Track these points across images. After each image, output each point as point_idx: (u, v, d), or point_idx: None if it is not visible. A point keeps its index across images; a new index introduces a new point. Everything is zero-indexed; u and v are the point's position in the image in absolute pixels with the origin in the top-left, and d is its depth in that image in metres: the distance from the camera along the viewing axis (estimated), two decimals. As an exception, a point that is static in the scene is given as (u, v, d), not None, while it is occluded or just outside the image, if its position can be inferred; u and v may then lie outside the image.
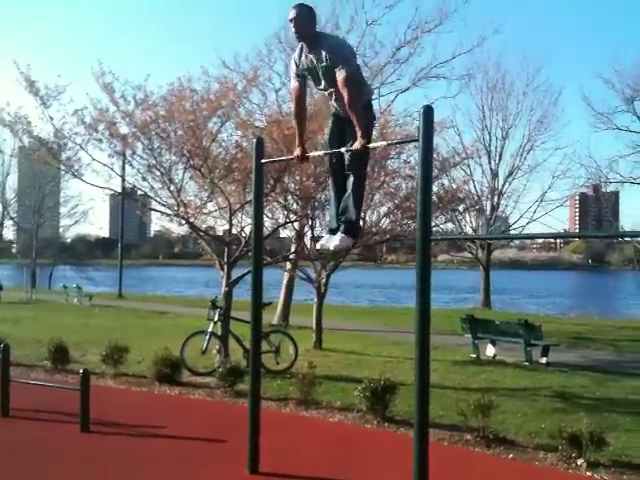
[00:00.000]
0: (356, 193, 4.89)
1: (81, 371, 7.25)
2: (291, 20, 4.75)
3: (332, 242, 4.95)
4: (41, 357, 11.24)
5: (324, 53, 4.66)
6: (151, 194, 12.27)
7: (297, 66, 4.93)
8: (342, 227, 4.92)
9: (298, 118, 5.17)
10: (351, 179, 4.91)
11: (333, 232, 5.05)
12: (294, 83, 5.05)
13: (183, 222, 11.99)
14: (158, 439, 6.87)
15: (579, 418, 6.73)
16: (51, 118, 11.21)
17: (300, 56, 4.90)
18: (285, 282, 20.46)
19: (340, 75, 4.56)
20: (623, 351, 15.32)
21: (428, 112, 4.33)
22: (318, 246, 5.18)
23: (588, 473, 5.90)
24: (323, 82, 4.80)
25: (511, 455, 6.46)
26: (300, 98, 5.11)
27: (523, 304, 36.28)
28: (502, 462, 6.29)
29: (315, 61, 4.76)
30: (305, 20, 4.73)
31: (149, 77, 11.47)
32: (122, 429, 7.19)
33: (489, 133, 33.53)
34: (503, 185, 33.36)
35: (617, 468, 6.03)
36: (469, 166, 30.86)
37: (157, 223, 18.56)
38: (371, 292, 49.71)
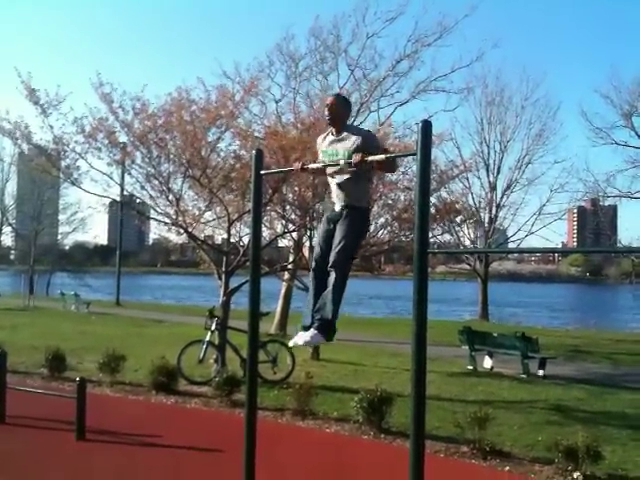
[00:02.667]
0: (337, 291, 4.71)
1: (77, 379, 7.26)
2: (328, 105, 4.85)
3: (302, 337, 4.68)
4: (38, 364, 11.22)
5: (354, 138, 4.67)
6: (150, 203, 12.31)
7: (322, 142, 4.96)
8: (316, 324, 4.70)
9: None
10: (333, 276, 4.75)
11: (306, 329, 4.79)
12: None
13: (182, 231, 12.02)
14: (154, 448, 6.86)
15: (575, 431, 6.74)
16: (51, 127, 11.26)
17: (325, 138, 4.94)
18: (283, 292, 20.47)
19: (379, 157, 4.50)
20: (620, 364, 15.31)
21: (426, 127, 4.34)
22: (290, 344, 4.86)
23: (584, 486, 5.90)
24: (343, 162, 4.64)
25: (507, 467, 6.46)
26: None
27: (521, 316, 36.23)
28: (498, 474, 6.29)
29: (339, 142, 4.78)
30: (341, 109, 4.84)
31: (146, 87, 11.52)
32: (118, 438, 7.18)
33: (487, 146, 33.69)
34: (501, 198, 33.49)
35: (613, 482, 6.04)
36: (467, 179, 31.01)
37: (155, 232, 18.60)
38: (369, 302, 49.67)
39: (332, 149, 4.81)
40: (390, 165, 4.75)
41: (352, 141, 4.67)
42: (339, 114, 4.81)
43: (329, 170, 4.84)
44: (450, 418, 7.89)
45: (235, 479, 5.57)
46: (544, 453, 6.71)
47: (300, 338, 4.68)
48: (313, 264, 4.94)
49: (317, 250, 4.93)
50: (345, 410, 8.35)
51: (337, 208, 4.83)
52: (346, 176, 4.73)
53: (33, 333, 17.65)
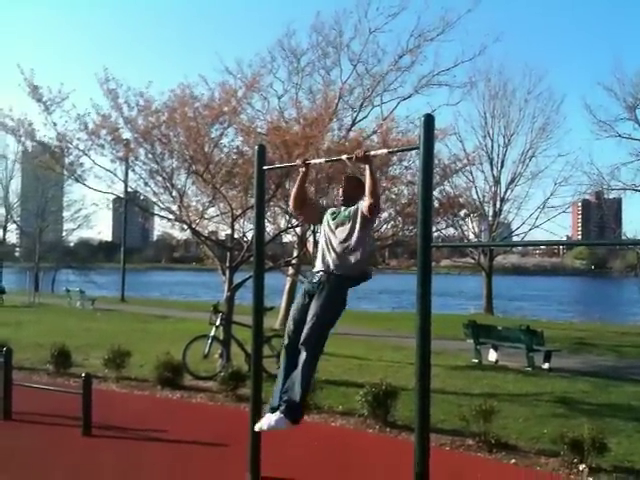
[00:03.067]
0: (305, 372, 4.61)
1: (83, 375, 7.28)
2: (342, 186, 5.02)
3: (267, 422, 4.61)
4: (43, 361, 11.26)
5: (359, 205, 4.74)
6: (153, 199, 12.32)
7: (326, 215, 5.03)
8: (282, 406, 4.60)
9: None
10: (303, 355, 4.64)
11: (273, 410, 4.70)
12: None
13: (185, 227, 12.03)
14: (160, 443, 6.89)
15: (581, 423, 6.75)
16: (54, 124, 11.27)
17: (328, 212, 5.03)
18: (287, 287, 20.49)
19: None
20: (625, 357, 15.31)
21: (429, 121, 4.36)
22: (256, 428, 4.78)
23: (590, 478, 5.90)
24: (341, 219, 4.82)
25: (513, 460, 6.47)
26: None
27: (525, 310, 36.22)
28: (504, 467, 6.30)
29: (343, 209, 4.90)
30: (353, 189, 4.93)
31: (151, 84, 11.49)
32: (124, 433, 7.21)
33: (491, 140, 33.64)
34: (505, 191, 33.42)
35: (619, 473, 6.04)
36: (471, 172, 30.93)
37: (159, 228, 18.67)
38: (373, 297, 49.67)
39: (337, 211, 4.93)
40: (375, 203, 4.64)
41: (352, 208, 4.79)
42: (352, 195, 4.90)
43: (331, 225, 4.86)
44: (455, 411, 7.90)
45: (240, 473, 5.60)
46: (550, 446, 6.71)
47: (265, 422, 4.62)
48: (285, 340, 4.85)
49: (290, 325, 4.85)
50: (350, 404, 8.36)
51: (315, 278, 4.75)
52: (347, 231, 4.73)
53: (38, 330, 17.71)
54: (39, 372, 10.84)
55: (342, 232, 4.73)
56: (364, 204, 4.64)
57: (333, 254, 4.71)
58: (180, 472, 5.87)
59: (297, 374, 4.65)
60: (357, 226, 4.68)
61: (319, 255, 4.85)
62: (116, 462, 6.18)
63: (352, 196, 4.88)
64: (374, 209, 4.64)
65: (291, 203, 5.22)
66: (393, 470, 5.02)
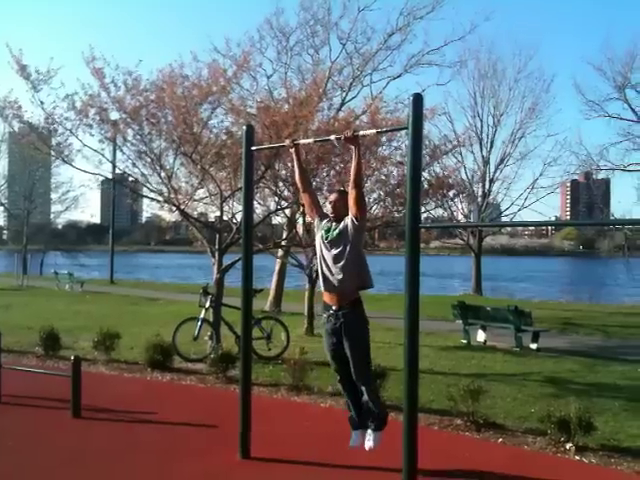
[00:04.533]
0: (373, 398, 5.09)
1: (72, 357, 7.26)
2: (331, 202, 5.15)
3: (367, 443, 5.12)
4: (32, 344, 11.23)
5: (347, 221, 4.96)
6: (142, 180, 12.22)
7: (320, 222, 5.25)
8: (373, 426, 5.10)
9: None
10: (363, 389, 5.08)
11: (358, 428, 5.25)
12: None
13: (174, 209, 11.96)
14: (150, 425, 6.90)
15: (568, 403, 6.80)
16: (41, 102, 11.13)
17: (323, 221, 5.23)
18: (277, 269, 20.49)
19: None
20: (612, 336, 15.45)
21: (417, 100, 4.34)
22: (350, 444, 5.26)
23: (576, 457, 5.97)
24: (333, 237, 5.02)
25: (500, 439, 6.53)
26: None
27: (514, 290, 36.43)
28: (491, 446, 6.36)
29: (335, 224, 5.08)
30: (343, 205, 5.05)
31: (141, 63, 11.37)
32: (114, 415, 7.21)
33: (481, 120, 33.61)
34: (494, 172, 33.45)
35: (605, 452, 6.10)
36: (461, 153, 30.87)
37: (148, 210, 18.53)
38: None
39: (329, 226, 5.11)
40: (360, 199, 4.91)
41: (342, 224, 4.99)
42: (342, 209, 5.04)
43: (326, 244, 5.05)
44: (444, 391, 7.95)
45: (231, 454, 5.62)
46: (537, 425, 6.77)
47: (364, 443, 5.14)
48: (337, 377, 5.29)
49: (332, 364, 5.27)
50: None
51: (332, 318, 5.04)
52: (340, 248, 4.95)
53: (27, 313, 17.65)
54: (28, 355, 10.82)
55: (336, 250, 4.97)
56: (350, 216, 4.91)
57: (334, 275, 4.96)
58: (170, 453, 5.89)
59: (367, 402, 5.10)
60: (349, 244, 4.92)
61: (321, 277, 5.11)
62: (106, 444, 6.18)
63: (343, 212, 5.04)
64: (360, 217, 4.91)
65: (299, 186, 5.55)
66: (382, 449, 5.06)
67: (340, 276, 4.91)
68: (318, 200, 5.65)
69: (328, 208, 5.18)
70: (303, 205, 13.39)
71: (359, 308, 5.06)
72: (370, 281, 5.09)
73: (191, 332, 10.67)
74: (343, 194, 5.17)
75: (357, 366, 4.96)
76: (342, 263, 4.91)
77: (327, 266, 5.01)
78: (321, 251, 5.09)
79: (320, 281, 5.13)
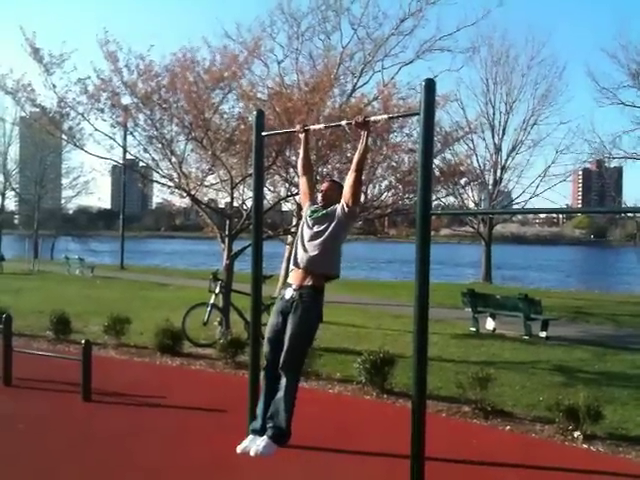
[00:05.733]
0: (288, 397, 4.67)
1: (83, 341, 7.31)
2: (322, 191, 5.06)
3: (254, 447, 4.59)
4: (43, 328, 11.31)
5: (337, 206, 4.87)
6: (152, 166, 12.23)
7: (309, 208, 5.13)
8: (270, 432, 4.64)
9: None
10: (284, 380, 4.70)
11: (256, 433, 4.77)
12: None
13: (184, 194, 11.97)
14: (159, 409, 6.94)
15: (577, 391, 6.80)
16: (54, 86, 11.16)
17: (312, 206, 5.12)
18: (286, 255, 20.48)
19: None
20: (622, 326, 15.40)
21: (430, 85, 4.30)
22: (238, 450, 4.72)
23: (584, 445, 5.97)
24: (318, 216, 4.93)
25: (508, 427, 6.53)
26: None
27: (524, 278, 36.35)
28: (499, 433, 6.36)
29: (322, 209, 4.99)
30: (335, 195, 4.97)
31: (152, 47, 11.33)
32: (123, 399, 7.26)
33: (493, 107, 33.32)
34: (506, 160, 33.20)
35: (613, 441, 6.10)
36: (472, 140, 30.72)
37: (159, 195, 18.52)
38: (372, 265, 49.77)
39: (317, 208, 5.00)
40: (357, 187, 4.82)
41: (330, 209, 4.90)
42: (334, 198, 4.95)
43: (309, 222, 4.93)
44: (452, 379, 7.96)
45: (239, 439, 5.64)
46: (545, 413, 6.77)
47: (252, 448, 4.61)
48: (264, 362, 4.90)
49: (266, 347, 4.89)
50: (348, 371, 8.41)
51: (288, 295, 4.82)
52: (322, 227, 4.82)
53: (38, 297, 17.78)
54: (39, 339, 10.90)
55: (317, 228, 4.85)
56: (342, 201, 4.80)
57: (307, 252, 4.81)
58: (179, 437, 5.93)
59: (280, 400, 4.69)
60: (332, 227, 4.79)
61: (293, 255, 4.96)
62: (116, 427, 6.23)
63: (333, 202, 4.94)
64: (352, 204, 4.79)
65: (299, 170, 5.50)
66: (390, 436, 5.07)
67: (313, 253, 4.75)
68: (314, 188, 5.52)
69: (318, 197, 5.08)
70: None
71: (319, 297, 4.84)
72: (338, 270, 4.91)
73: (201, 317, 10.71)
74: (335, 184, 5.12)
75: (290, 352, 4.66)
76: (318, 241, 4.76)
77: (302, 243, 4.86)
78: (302, 229, 4.95)
79: (292, 259, 4.97)
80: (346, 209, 4.77)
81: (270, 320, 4.98)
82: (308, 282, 4.76)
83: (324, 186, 5.12)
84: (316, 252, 4.75)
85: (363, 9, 21.56)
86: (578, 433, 6.11)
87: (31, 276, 27.82)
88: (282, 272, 20.31)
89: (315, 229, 4.84)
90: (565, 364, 10.05)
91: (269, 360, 4.87)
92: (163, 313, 12.65)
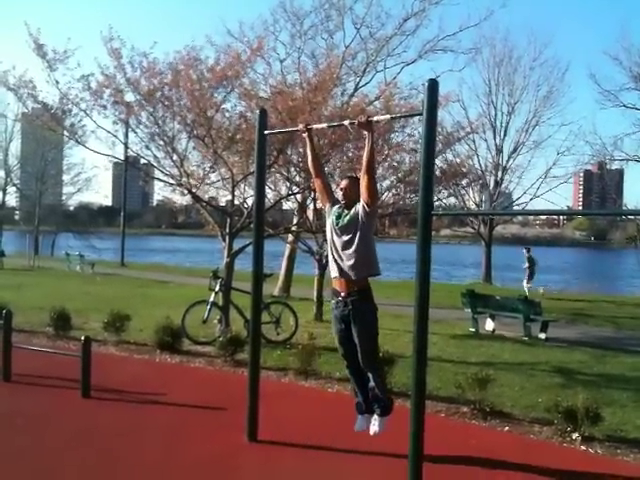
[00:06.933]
0: (380, 385, 5.16)
1: (83, 338, 7.32)
2: (342, 189, 5.14)
3: (372, 427, 5.21)
4: (43, 324, 11.31)
5: (358, 207, 4.96)
6: (154, 163, 12.23)
7: (331, 209, 5.24)
8: (378, 410, 5.19)
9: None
10: (371, 376, 5.15)
11: (364, 412, 5.33)
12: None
13: (186, 192, 11.98)
14: (158, 406, 6.95)
15: (576, 393, 6.79)
16: (57, 82, 11.15)
17: (334, 207, 5.23)
18: (287, 254, 20.51)
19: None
20: (622, 328, 15.39)
21: (433, 86, 4.30)
22: (356, 428, 5.35)
23: (582, 447, 5.97)
24: (344, 224, 5.02)
25: (507, 428, 6.54)
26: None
27: (523, 280, 36.23)
28: (498, 434, 6.37)
29: (346, 211, 5.09)
30: (355, 190, 5.05)
31: (156, 44, 11.32)
32: (123, 396, 7.27)
33: (495, 108, 33.32)
34: (507, 161, 33.21)
35: (612, 443, 6.10)
36: (474, 141, 30.78)
37: (160, 193, 18.48)
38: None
39: (340, 212, 5.11)
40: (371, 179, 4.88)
41: (353, 210, 5.00)
42: (353, 195, 5.05)
43: (337, 230, 5.05)
44: (451, 379, 7.96)
45: (238, 436, 5.66)
46: (544, 414, 6.77)
47: (370, 428, 5.24)
48: (345, 362, 5.31)
49: (340, 350, 5.28)
50: (347, 370, 8.39)
51: (341, 304, 5.06)
52: (350, 235, 4.95)
53: (38, 293, 17.79)
54: (39, 335, 10.91)
55: (347, 236, 4.98)
56: (362, 202, 4.91)
57: (344, 261, 4.98)
58: (178, 434, 5.94)
59: (374, 388, 5.18)
60: (360, 230, 4.92)
61: (331, 263, 5.14)
62: (115, 424, 6.24)
63: (354, 199, 5.05)
64: (371, 203, 4.89)
65: (312, 172, 5.55)
66: (389, 435, 5.08)
67: (350, 262, 4.92)
68: (330, 186, 5.63)
69: (339, 195, 5.18)
70: (314, 190, 13.43)
71: (368, 295, 5.07)
72: (378, 269, 5.10)
73: (200, 315, 10.72)
74: (354, 180, 5.17)
75: (365, 352, 4.98)
76: (352, 249, 4.92)
77: (337, 252, 5.03)
78: (332, 237, 5.09)
79: (330, 267, 5.15)
80: (367, 209, 4.89)
81: (334, 327, 5.26)
82: (354, 288, 4.99)
83: (343, 184, 5.19)
84: (353, 260, 4.93)
85: (366, 9, 21.59)
86: (576, 435, 6.11)
87: (31, 272, 27.82)
88: (282, 271, 20.36)
89: (345, 237, 4.98)
90: (564, 366, 10.05)
91: (348, 360, 5.25)
92: (163, 310, 12.66)
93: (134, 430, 6.10)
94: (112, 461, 5.23)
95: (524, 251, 23.91)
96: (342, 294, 5.01)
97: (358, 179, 5.10)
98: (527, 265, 23.25)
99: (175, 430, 6.09)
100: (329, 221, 5.18)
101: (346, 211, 5.05)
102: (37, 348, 8.84)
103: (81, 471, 5.03)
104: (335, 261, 5.04)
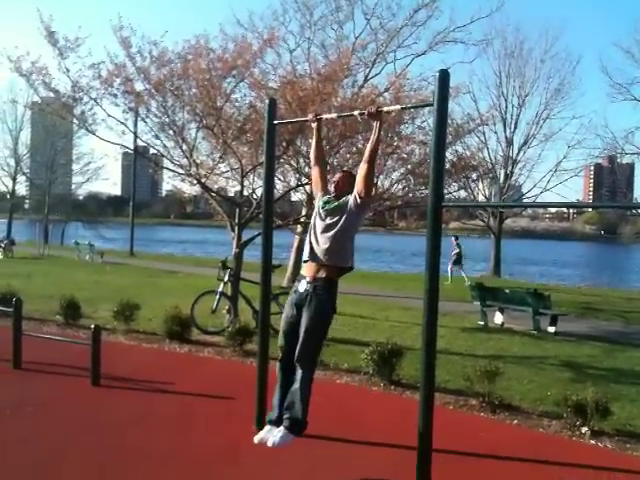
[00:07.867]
0: (304, 389, 4.71)
1: (92, 326, 7.35)
2: (335, 181, 5.05)
3: (271, 438, 4.67)
4: (53, 312, 11.38)
5: (349, 197, 4.88)
6: (164, 153, 12.23)
7: (321, 198, 5.15)
8: (286, 422, 4.71)
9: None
10: (299, 372, 4.75)
11: (273, 423, 4.85)
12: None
13: (195, 182, 11.97)
14: (167, 395, 6.97)
15: (585, 387, 6.76)
16: (67, 70, 11.15)
17: (325, 196, 5.13)
18: (295, 245, 20.51)
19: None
20: (632, 322, 15.31)
21: (444, 77, 4.27)
22: (255, 440, 4.79)
23: (592, 441, 5.95)
24: (330, 208, 4.94)
25: (515, 421, 6.52)
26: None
27: (533, 273, 36.22)
28: (506, 427, 6.36)
29: (334, 199, 5.00)
30: (348, 185, 4.97)
31: (166, 33, 11.31)
32: (132, 384, 7.30)
33: (505, 100, 33.09)
34: (517, 153, 33.01)
35: (621, 437, 6.08)
36: (484, 133, 30.59)
37: (169, 182, 18.47)
38: (380, 257, 49.70)
39: (329, 199, 5.02)
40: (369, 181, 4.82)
41: (342, 200, 4.92)
42: (346, 188, 4.97)
43: (322, 213, 4.94)
44: (460, 372, 7.95)
45: (246, 426, 5.67)
46: (553, 408, 6.76)
47: (269, 438, 4.68)
48: (279, 354, 4.95)
49: (281, 339, 4.96)
50: (356, 362, 8.41)
51: (302, 288, 4.83)
52: (335, 219, 4.82)
53: (48, 282, 17.88)
54: (48, 323, 10.97)
55: (330, 220, 4.85)
56: (355, 192, 4.79)
57: (320, 245, 4.81)
58: (187, 423, 5.96)
59: (296, 391, 4.75)
60: (344, 218, 4.79)
61: (306, 246, 4.97)
62: (124, 413, 6.27)
63: (346, 193, 4.95)
64: (365, 194, 4.77)
65: (312, 160, 5.49)
66: (397, 427, 5.08)
67: (324, 246, 4.75)
68: (326, 177, 5.48)
69: (331, 188, 5.06)
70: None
71: (332, 289, 4.83)
72: (351, 262, 4.90)
73: (209, 305, 10.74)
74: (348, 175, 5.10)
75: (305, 345, 4.71)
76: (330, 234, 4.76)
77: (314, 235, 4.86)
78: (314, 220, 4.95)
79: (304, 251, 4.97)
80: (359, 200, 4.76)
81: (284, 313, 5.01)
82: (321, 274, 4.77)
83: (337, 176, 5.10)
84: (328, 244, 4.75)
85: (376, -1, 21.42)
86: (586, 429, 6.10)
87: (41, 261, 27.97)
88: (291, 262, 20.37)
89: (327, 221, 4.84)
90: (573, 360, 10.02)
91: (284, 352, 4.93)
92: (172, 300, 12.69)
93: (143, 418, 6.12)
94: (121, 449, 5.25)
95: (452, 239, 24.99)
96: (307, 279, 4.80)
97: (352, 174, 5.05)
98: (456, 251, 24.37)
99: (184, 419, 6.11)
100: (316, 207, 5.07)
101: (335, 200, 4.96)
102: (47, 336, 8.89)
103: (89, 458, 5.05)
104: (310, 244, 4.87)
